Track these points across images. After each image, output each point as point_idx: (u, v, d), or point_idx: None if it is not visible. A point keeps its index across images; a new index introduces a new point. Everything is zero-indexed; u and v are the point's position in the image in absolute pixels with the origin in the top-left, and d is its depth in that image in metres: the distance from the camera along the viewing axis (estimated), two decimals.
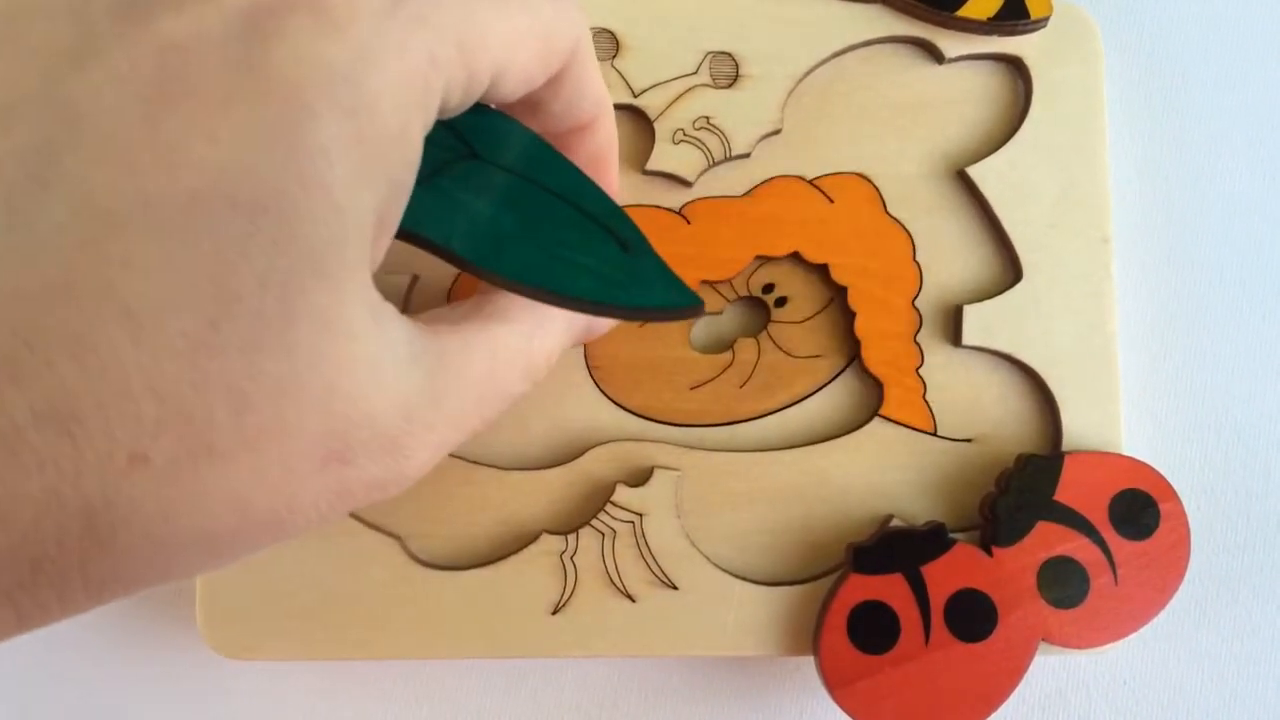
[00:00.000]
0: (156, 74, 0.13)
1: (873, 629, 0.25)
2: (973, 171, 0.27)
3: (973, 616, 0.25)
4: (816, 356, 0.28)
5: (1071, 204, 0.27)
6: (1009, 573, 0.25)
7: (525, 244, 0.19)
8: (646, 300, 0.20)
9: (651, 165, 0.27)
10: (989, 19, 0.27)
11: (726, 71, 0.28)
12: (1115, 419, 0.27)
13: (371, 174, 0.14)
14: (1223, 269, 0.30)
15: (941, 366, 0.27)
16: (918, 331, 0.27)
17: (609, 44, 0.28)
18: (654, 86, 0.27)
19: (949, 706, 0.25)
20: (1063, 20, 0.28)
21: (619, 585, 0.26)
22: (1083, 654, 0.26)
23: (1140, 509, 0.26)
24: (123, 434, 0.13)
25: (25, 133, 0.13)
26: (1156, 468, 0.26)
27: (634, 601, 0.26)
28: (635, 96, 0.27)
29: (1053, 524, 0.26)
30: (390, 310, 0.16)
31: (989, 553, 0.25)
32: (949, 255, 0.28)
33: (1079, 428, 0.27)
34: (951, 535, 0.26)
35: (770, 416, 0.27)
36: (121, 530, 0.13)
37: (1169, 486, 0.26)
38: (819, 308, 0.28)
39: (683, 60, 0.28)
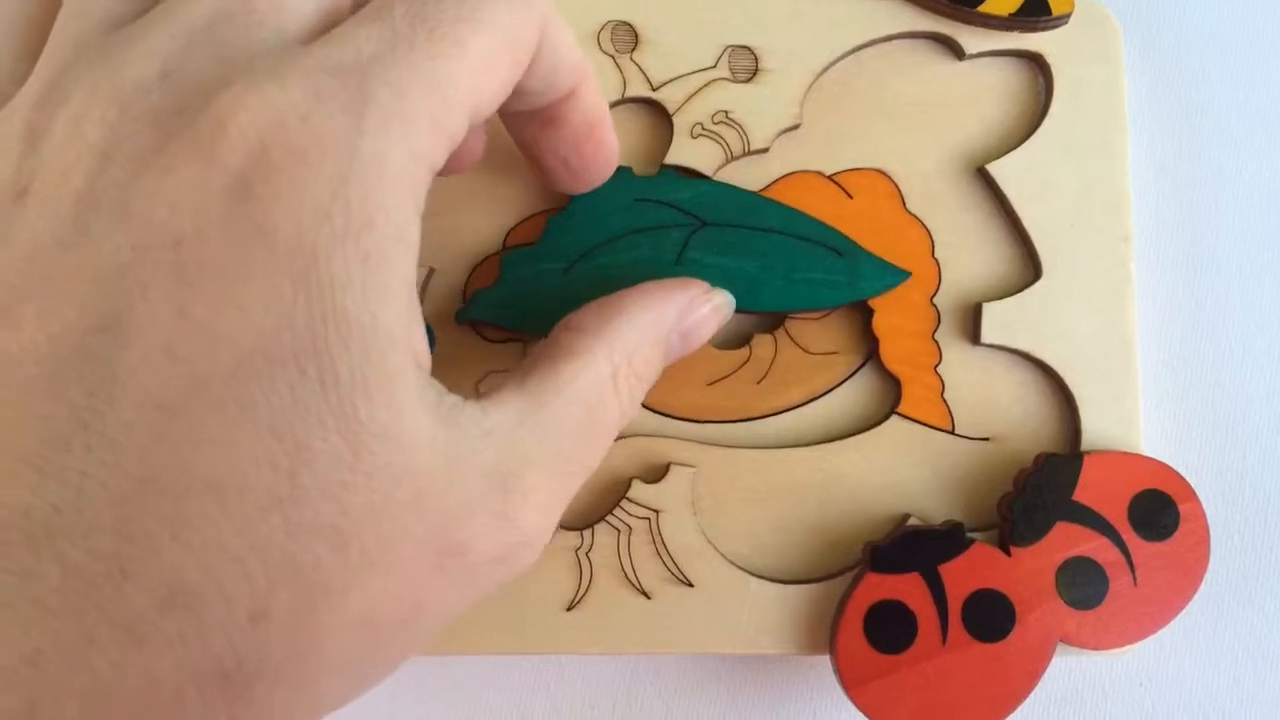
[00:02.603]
0: (173, 265, 0.14)
1: (890, 628, 0.25)
2: (992, 169, 0.27)
3: (991, 617, 0.25)
4: (833, 353, 0.28)
5: (1092, 202, 0.27)
6: (1027, 573, 0.25)
7: (771, 280, 0.26)
8: (872, 289, 0.26)
9: (670, 159, 0.27)
10: (1010, 15, 0.27)
11: (745, 65, 0.27)
12: (1134, 418, 0.27)
13: (383, 282, 0.15)
14: (1243, 268, 0.29)
15: (960, 364, 0.27)
16: (936, 329, 0.27)
17: (628, 37, 0.27)
18: (672, 80, 0.27)
19: (966, 707, 0.25)
20: (1084, 17, 0.28)
21: (634, 582, 0.26)
22: (1099, 655, 0.25)
23: (1160, 510, 0.26)
24: (239, 595, 0.14)
25: (74, 353, 0.14)
26: (1175, 468, 0.26)
27: (649, 598, 0.26)
28: (654, 90, 0.27)
29: (1072, 524, 0.25)
30: (452, 400, 0.16)
31: (1007, 553, 0.25)
32: (968, 253, 0.28)
33: (1098, 427, 0.27)
34: (970, 535, 0.25)
35: (787, 413, 0.27)
36: (258, 683, 0.14)
37: (1189, 487, 0.26)
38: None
39: (701, 54, 0.27)
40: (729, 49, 0.27)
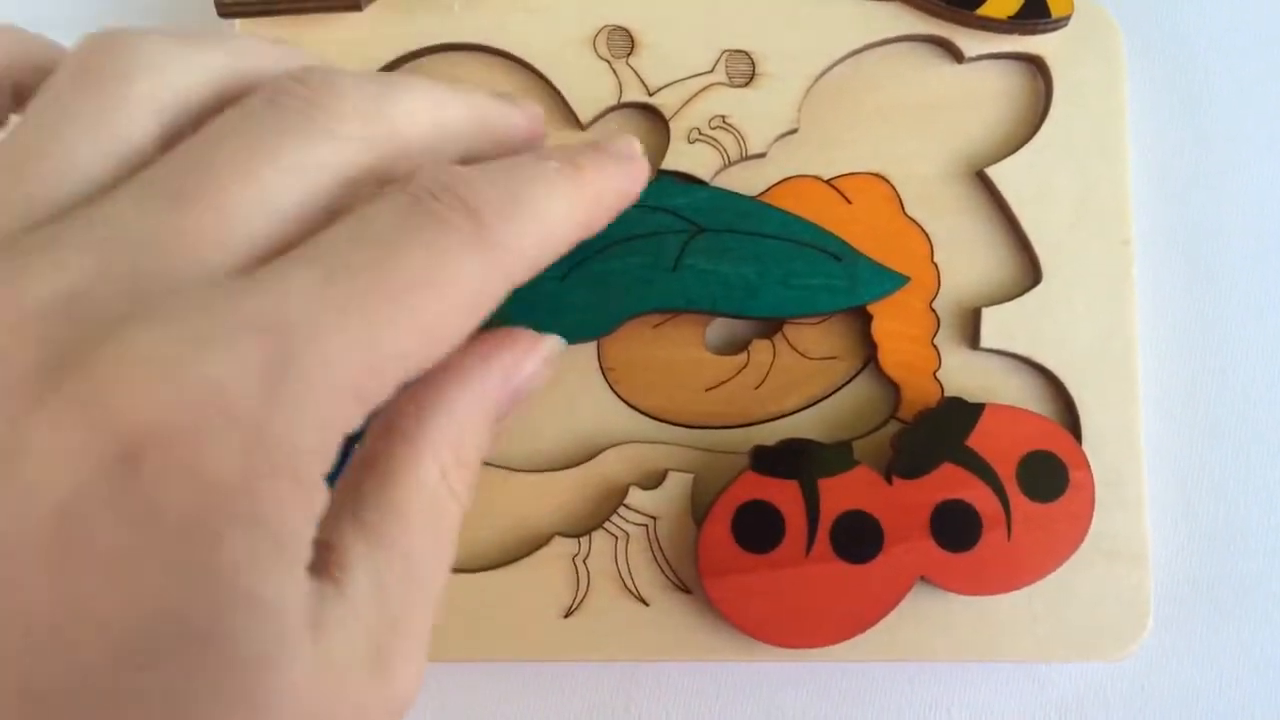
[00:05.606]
0: (54, 541, 0.13)
1: (757, 528, 0.25)
2: (992, 172, 0.27)
3: (858, 538, 0.25)
4: (832, 358, 0.27)
5: (1092, 206, 0.27)
6: (904, 504, 0.25)
7: (769, 286, 0.26)
8: (870, 295, 0.26)
9: (667, 164, 0.27)
10: (1009, 17, 0.27)
11: (743, 70, 0.27)
12: (1134, 423, 0.26)
13: (283, 559, 0.14)
14: (1244, 272, 0.29)
15: (959, 369, 0.27)
16: (935, 334, 0.27)
17: (624, 42, 0.27)
18: (669, 85, 0.27)
19: (815, 620, 0.25)
20: (1084, 19, 0.27)
21: (632, 588, 0.26)
22: (1100, 664, 0.25)
23: (1050, 472, 0.25)
24: None
25: None
26: (1182, 472, 0.26)
27: (647, 605, 0.26)
28: (650, 95, 0.27)
29: (958, 468, 0.25)
30: (328, 616, 0.15)
31: (889, 481, 0.25)
32: (968, 257, 0.27)
33: (1097, 431, 0.26)
34: (858, 460, 0.26)
35: (785, 419, 0.27)
36: None
37: (1083, 456, 0.26)
38: None
39: (699, 59, 0.27)
40: (726, 53, 0.27)
